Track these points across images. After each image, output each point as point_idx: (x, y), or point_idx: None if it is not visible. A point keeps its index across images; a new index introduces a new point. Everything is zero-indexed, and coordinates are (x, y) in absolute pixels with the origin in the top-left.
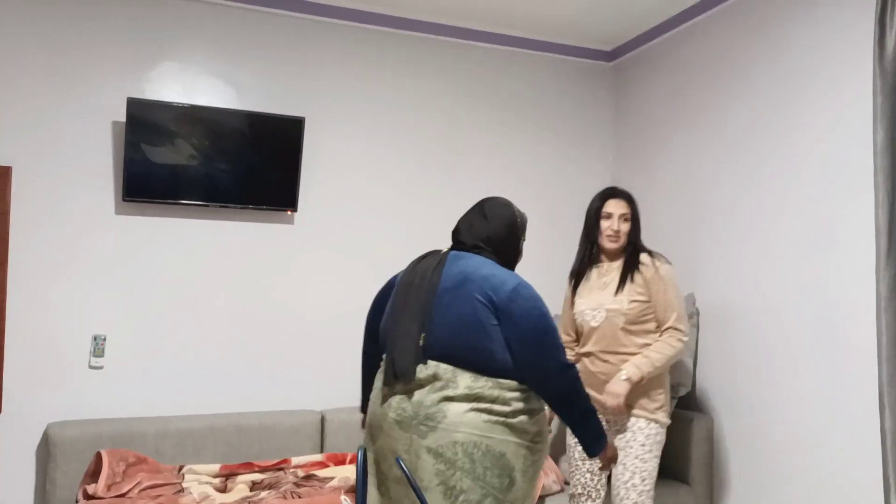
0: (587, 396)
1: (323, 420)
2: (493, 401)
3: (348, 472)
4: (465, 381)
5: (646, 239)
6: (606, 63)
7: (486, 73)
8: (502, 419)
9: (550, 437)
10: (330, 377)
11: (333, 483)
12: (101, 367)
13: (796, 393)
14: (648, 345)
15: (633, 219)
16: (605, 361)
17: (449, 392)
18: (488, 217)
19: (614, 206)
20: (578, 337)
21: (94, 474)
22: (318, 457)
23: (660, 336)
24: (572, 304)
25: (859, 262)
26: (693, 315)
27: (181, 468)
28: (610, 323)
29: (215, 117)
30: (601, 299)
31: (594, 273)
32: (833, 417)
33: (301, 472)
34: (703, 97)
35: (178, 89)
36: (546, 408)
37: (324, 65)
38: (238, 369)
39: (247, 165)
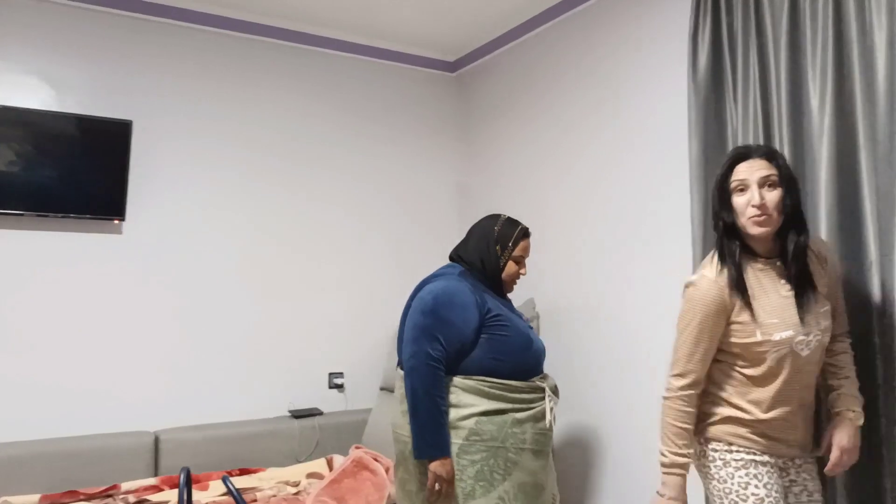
0: (418, 394)
1: (157, 441)
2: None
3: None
4: (399, 381)
5: None
6: (450, 73)
7: (333, 80)
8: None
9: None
10: (165, 396)
11: None
12: None
13: (624, 393)
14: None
15: (786, 182)
16: (801, 405)
17: (396, 393)
18: (469, 231)
19: (749, 170)
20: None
21: None
22: (151, 480)
23: (839, 350)
24: (735, 325)
25: (681, 267)
26: (534, 319)
27: None
28: (820, 349)
29: (35, 120)
30: (807, 317)
31: (752, 277)
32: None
33: (132, 498)
34: (538, 107)
35: None
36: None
37: (154, 67)
38: (63, 390)
39: (70, 172)
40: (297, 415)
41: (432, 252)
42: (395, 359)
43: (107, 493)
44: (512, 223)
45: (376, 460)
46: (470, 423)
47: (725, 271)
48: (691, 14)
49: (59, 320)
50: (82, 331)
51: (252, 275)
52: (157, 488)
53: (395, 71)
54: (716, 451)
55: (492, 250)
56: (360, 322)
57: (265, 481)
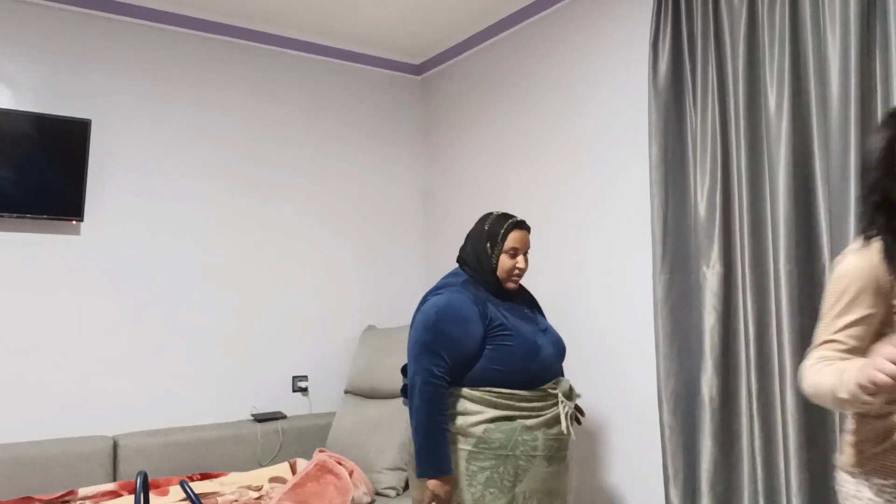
0: (420, 413)
1: (115, 446)
2: None
3: None
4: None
5: (451, 248)
6: (415, 76)
7: (296, 81)
8: None
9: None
10: (124, 400)
11: None
12: None
13: (592, 390)
14: None
15: None
16: None
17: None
18: (467, 234)
19: None
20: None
21: None
22: (109, 486)
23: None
24: None
25: (641, 266)
26: None
27: None
28: None
29: None
30: None
31: None
32: (617, 414)
33: None
34: (501, 110)
35: None
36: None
37: (114, 65)
38: (19, 394)
39: (27, 171)
40: (260, 418)
41: (397, 254)
42: (361, 362)
43: (63, 500)
44: (502, 217)
45: (340, 464)
46: (478, 430)
47: (875, 244)
48: (652, 20)
49: (14, 322)
50: (39, 333)
51: (214, 277)
52: (115, 494)
53: (359, 73)
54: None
55: (485, 248)
56: (324, 325)
57: (227, 486)
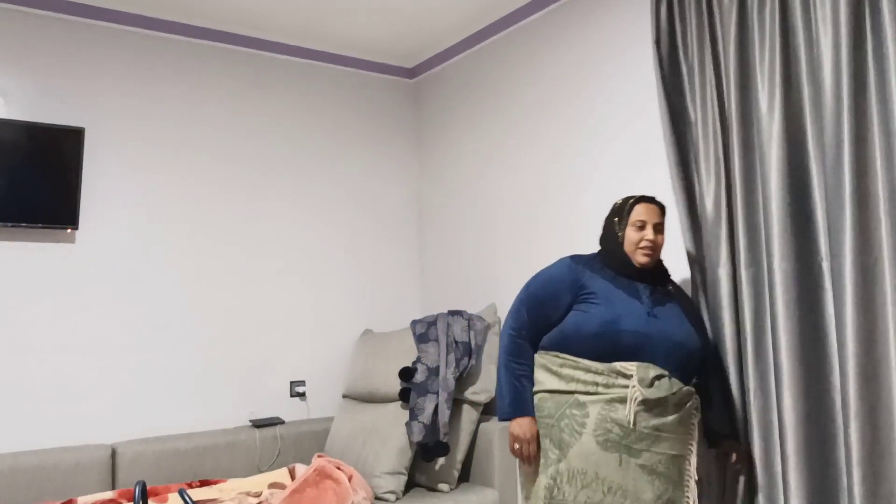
0: (500, 360)
1: (114, 454)
2: None
3: None
4: None
5: (445, 251)
6: (408, 80)
7: (291, 86)
8: None
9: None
10: (122, 408)
11: None
12: None
13: None
14: None
15: None
16: None
17: None
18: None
19: None
20: None
21: None
22: (108, 494)
23: None
24: None
25: None
26: (495, 325)
27: None
28: None
29: None
30: None
31: None
32: None
33: None
34: (494, 113)
35: None
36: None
37: (107, 73)
38: (17, 404)
39: (20, 180)
40: (258, 424)
41: (392, 258)
42: (358, 366)
43: None
44: (627, 197)
45: (339, 469)
46: (536, 398)
47: None
48: (652, 19)
49: (10, 330)
50: (35, 341)
51: (211, 283)
52: (114, 502)
53: (352, 77)
54: None
55: (612, 224)
56: (321, 330)
57: (226, 492)
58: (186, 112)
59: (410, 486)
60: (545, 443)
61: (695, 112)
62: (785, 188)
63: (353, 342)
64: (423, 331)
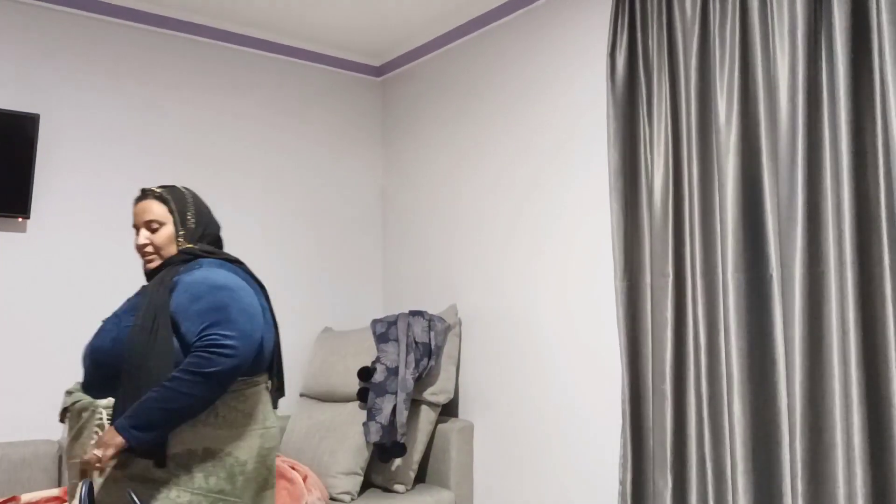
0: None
1: (60, 450)
2: None
3: None
4: None
5: (408, 251)
6: (375, 78)
7: (254, 79)
8: None
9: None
10: None
11: None
12: None
13: (548, 396)
14: None
15: None
16: None
17: None
18: None
19: None
20: None
21: None
22: (53, 491)
23: None
24: None
25: (601, 272)
26: (455, 325)
27: None
28: None
29: None
30: None
31: None
32: (580, 419)
33: None
34: (460, 114)
35: None
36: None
37: (65, 60)
38: None
39: None
40: None
41: (354, 256)
42: (316, 364)
43: None
44: None
45: (293, 469)
46: None
47: None
48: (609, 31)
49: None
50: None
51: None
52: (60, 500)
53: (319, 73)
54: None
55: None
56: (279, 327)
57: None
58: (144, 102)
59: (366, 486)
60: None
61: (648, 121)
62: (741, 199)
63: (312, 340)
64: (384, 330)
